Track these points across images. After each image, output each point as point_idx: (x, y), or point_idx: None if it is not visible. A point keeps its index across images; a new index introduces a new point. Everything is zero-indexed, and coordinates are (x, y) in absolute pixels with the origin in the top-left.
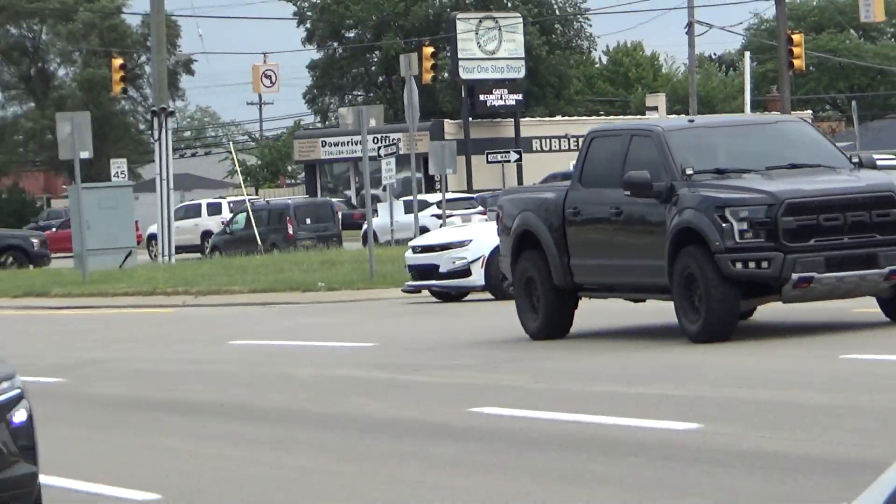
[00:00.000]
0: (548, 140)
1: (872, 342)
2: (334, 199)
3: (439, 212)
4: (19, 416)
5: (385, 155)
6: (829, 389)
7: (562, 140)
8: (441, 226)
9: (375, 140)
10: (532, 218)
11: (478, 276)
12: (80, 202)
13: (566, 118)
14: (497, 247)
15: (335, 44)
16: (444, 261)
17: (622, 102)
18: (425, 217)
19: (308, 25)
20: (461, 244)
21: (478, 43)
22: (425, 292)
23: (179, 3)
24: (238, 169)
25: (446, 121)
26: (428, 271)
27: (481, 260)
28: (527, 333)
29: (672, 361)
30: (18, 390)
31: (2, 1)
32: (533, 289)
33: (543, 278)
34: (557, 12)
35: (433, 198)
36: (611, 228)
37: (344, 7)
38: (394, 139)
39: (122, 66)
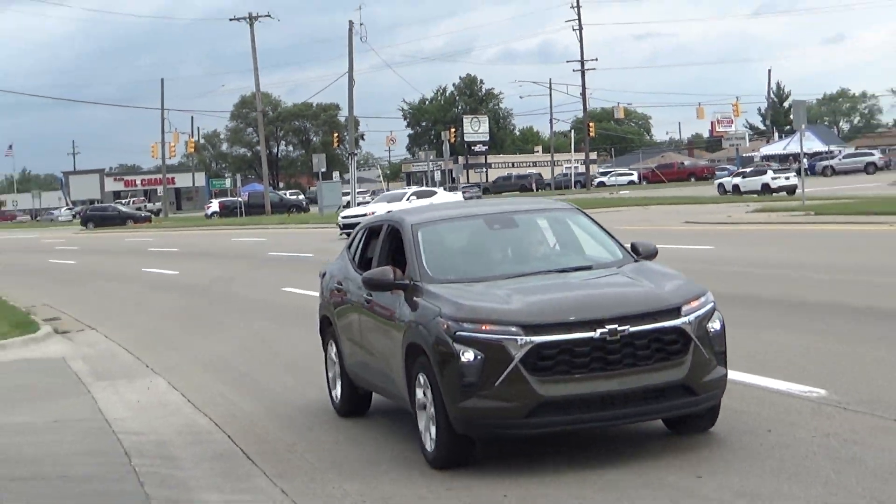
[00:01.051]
0: (498, 164)
1: None
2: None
3: (349, 197)
4: (714, 325)
5: (434, 169)
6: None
7: (502, 165)
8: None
9: (432, 163)
10: None
11: None
12: (321, 187)
13: (503, 155)
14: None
15: (418, 127)
16: (363, 220)
17: (524, 150)
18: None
19: (407, 119)
20: (370, 213)
21: (471, 126)
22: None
23: (359, 111)
24: (382, 175)
25: (459, 156)
26: (352, 225)
27: None
28: None
29: None
30: (712, 304)
31: (293, 111)
32: None
33: None
34: (500, 114)
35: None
36: None
37: (420, 113)
38: (439, 163)
39: (337, 136)
